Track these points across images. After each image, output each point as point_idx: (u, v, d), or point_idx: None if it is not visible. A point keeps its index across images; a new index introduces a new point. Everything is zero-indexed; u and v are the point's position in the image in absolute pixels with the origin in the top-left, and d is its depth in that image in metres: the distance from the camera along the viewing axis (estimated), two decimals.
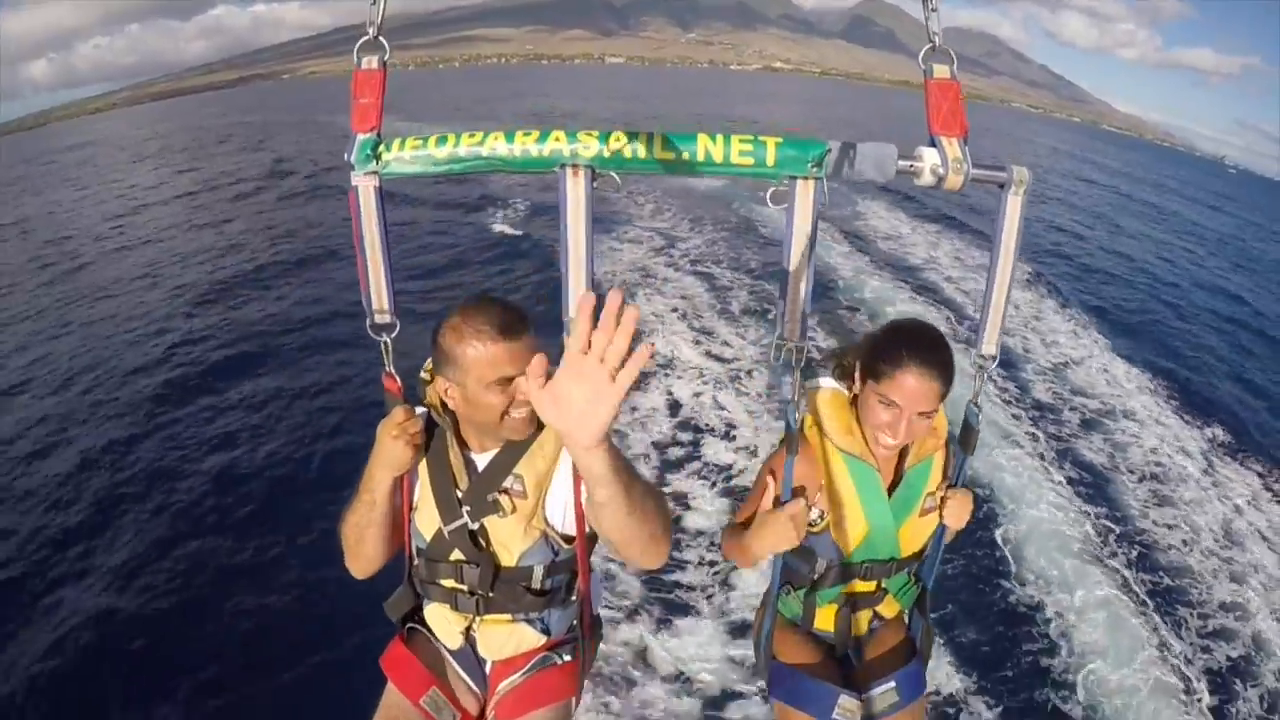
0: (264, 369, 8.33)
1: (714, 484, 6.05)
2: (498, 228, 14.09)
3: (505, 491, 1.65)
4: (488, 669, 1.88)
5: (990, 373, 1.67)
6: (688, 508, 5.61)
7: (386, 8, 1.41)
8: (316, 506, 5.57)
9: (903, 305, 10.63)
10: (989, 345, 1.65)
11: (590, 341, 0.92)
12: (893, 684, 1.87)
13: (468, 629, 1.81)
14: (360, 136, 1.46)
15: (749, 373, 8.18)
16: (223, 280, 11.90)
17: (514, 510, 1.65)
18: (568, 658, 1.86)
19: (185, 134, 42.64)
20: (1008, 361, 9.40)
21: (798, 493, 1.70)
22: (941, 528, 1.84)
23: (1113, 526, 6.19)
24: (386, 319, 1.57)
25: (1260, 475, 7.44)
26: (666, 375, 7.98)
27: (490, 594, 1.73)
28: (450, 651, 1.86)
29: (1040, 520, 6.02)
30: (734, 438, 6.73)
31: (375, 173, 1.48)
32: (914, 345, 1.63)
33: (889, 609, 1.97)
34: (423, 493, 1.70)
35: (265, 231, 14.79)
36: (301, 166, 22.73)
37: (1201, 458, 7.66)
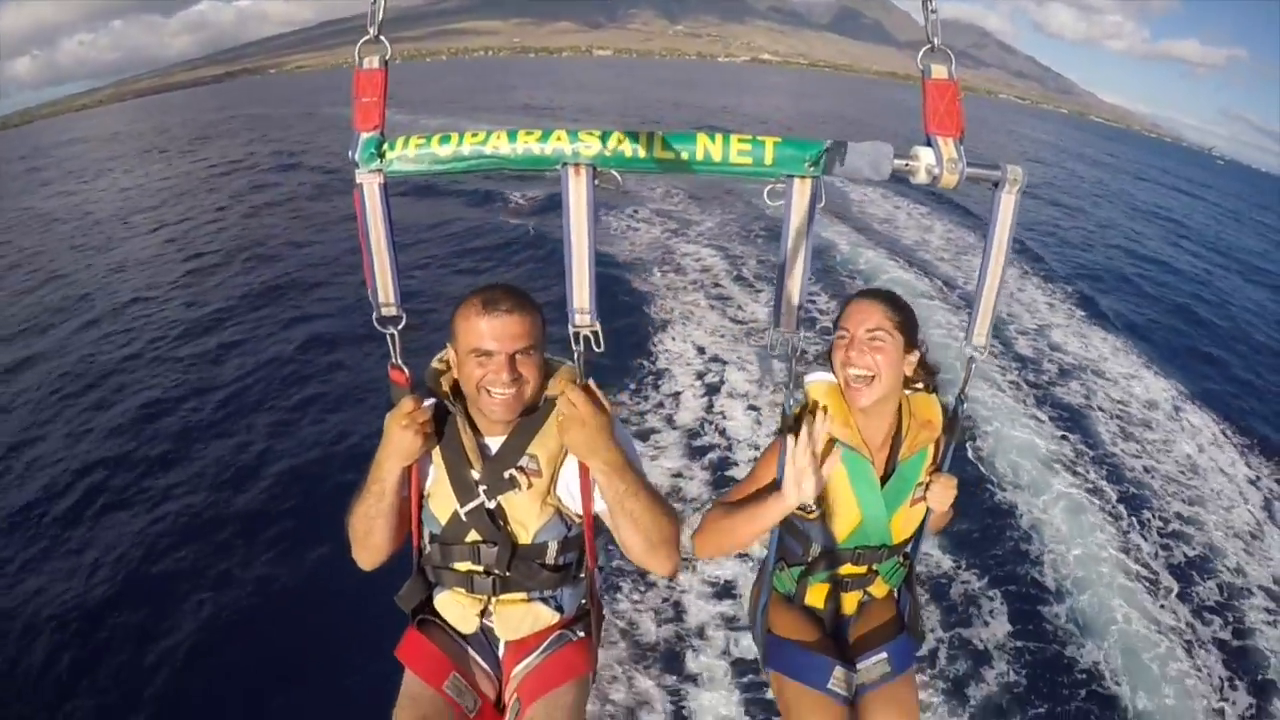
0: (269, 362, 8.40)
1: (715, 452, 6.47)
2: (505, 219, 14.29)
3: (521, 469, 1.69)
4: (500, 652, 1.93)
5: (979, 365, 1.73)
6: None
7: (386, 7, 1.44)
8: (322, 500, 5.64)
9: (896, 273, 11.50)
10: (979, 337, 1.69)
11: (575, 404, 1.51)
12: (884, 655, 1.96)
13: (483, 611, 1.84)
14: (364, 135, 1.49)
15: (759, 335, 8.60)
16: (224, 270, 12.06)
17: (530, 487, 1.70)
18: (581, 634, 1.92)
19: (178, 129, 42.40)
20: (996, 324, 10.44)
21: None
22: (928, 511, 1.91)
23: (1085, 450, 7.08)
24: (393, 312, 1.58)
25: (1217, 422, 8.31)
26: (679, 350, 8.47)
27: (507, 573, 1.76)
28: (464, 637, 1.89)
29: (1017, 439, 6.93)
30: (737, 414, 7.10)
31: (380, 170, 1.50)
32: (860, 290, 1.91)
33: (878, 589, 2.06)
34: (437, 477, 1.74)
35: (268, 227, 14.90)
36: (305, 158, 22.87)
37: (1170, 405, 8.51)
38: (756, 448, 6.39)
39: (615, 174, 1.47)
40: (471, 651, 1.88)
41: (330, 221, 14.69)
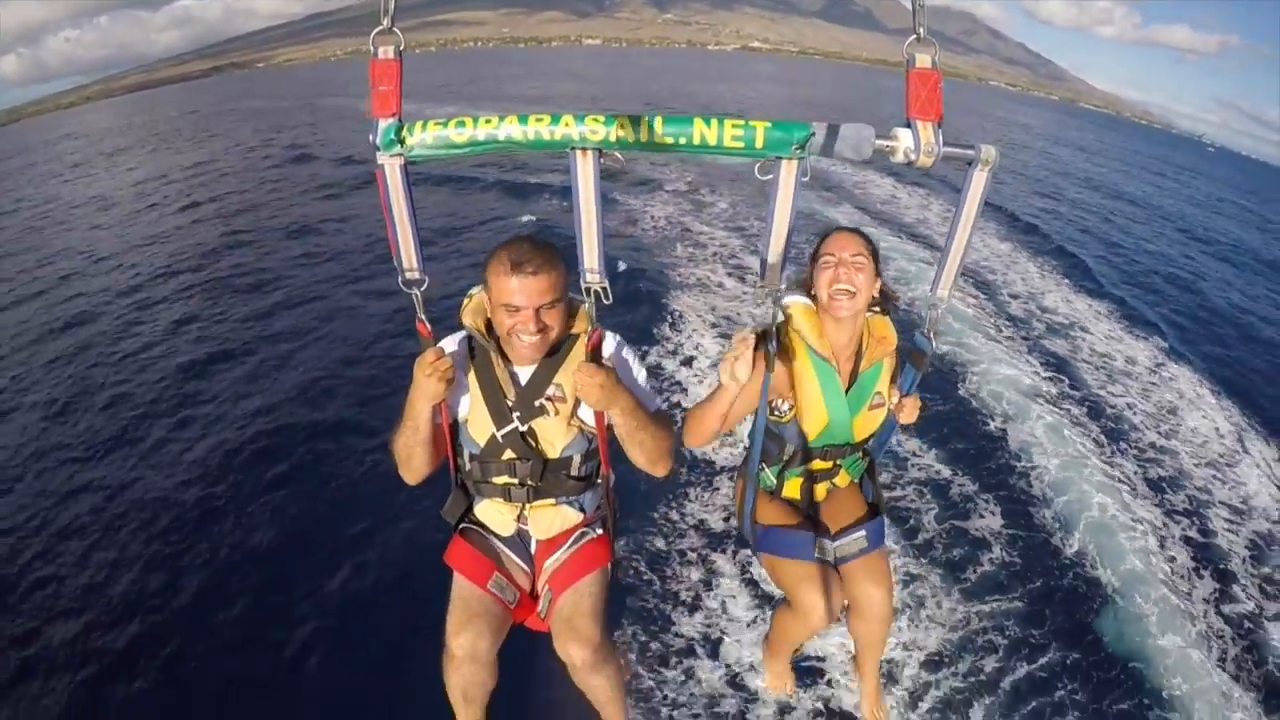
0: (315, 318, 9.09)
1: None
2: (527, 193, 14.99)
3: (550, 398, 1.96)
4: (532, 550, 2.22)
5: (942, 311, 1.96)
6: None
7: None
8: (367, 434, 6.26)
9: (893, 241, 12.28)
10: (943, 290, 1.91)
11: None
12: (863, 532, 2.32)
13: (519, 516, 2.13)
14: (382, 122, 1.62)
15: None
16: (259, 246, 12.58)
17: (557, 413, 1.98)
18: (600, 531, 2.22)
19: (168, 123, 42.29)
20: (983, 284, 11.11)
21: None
22: (891, 418, 2.23)
23: (1071, 392, 7.82)
24: (416, 275, 1.77)
25: (1198, 373, 9.05)
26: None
27: (539, 483, 2.06)
28: (502, 540, 2.19)
29: (1005, 374, 7.72)
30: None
31: (400, 155, 1.64)
32: (837, 228, 2.18)
33: (842, 480, 2.42)
34: (474, 404, 1.99)
35: (290, 209, 15.30)
36: (310, 146, 23.33)
37: (1150, 359, 9.24)
38: None
39: (619, 155, 1.63)
40: (509, 551, 2.17)
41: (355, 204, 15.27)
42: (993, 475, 6.04)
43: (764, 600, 4.62)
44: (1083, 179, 29.55)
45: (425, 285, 1.77)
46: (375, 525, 5.22)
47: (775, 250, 1.73)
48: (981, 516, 5.48)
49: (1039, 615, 4.72)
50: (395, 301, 8.78)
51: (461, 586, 2.06)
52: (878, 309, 2.28)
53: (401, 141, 1.61)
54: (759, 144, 1.58)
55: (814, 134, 1.57)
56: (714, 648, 4.31)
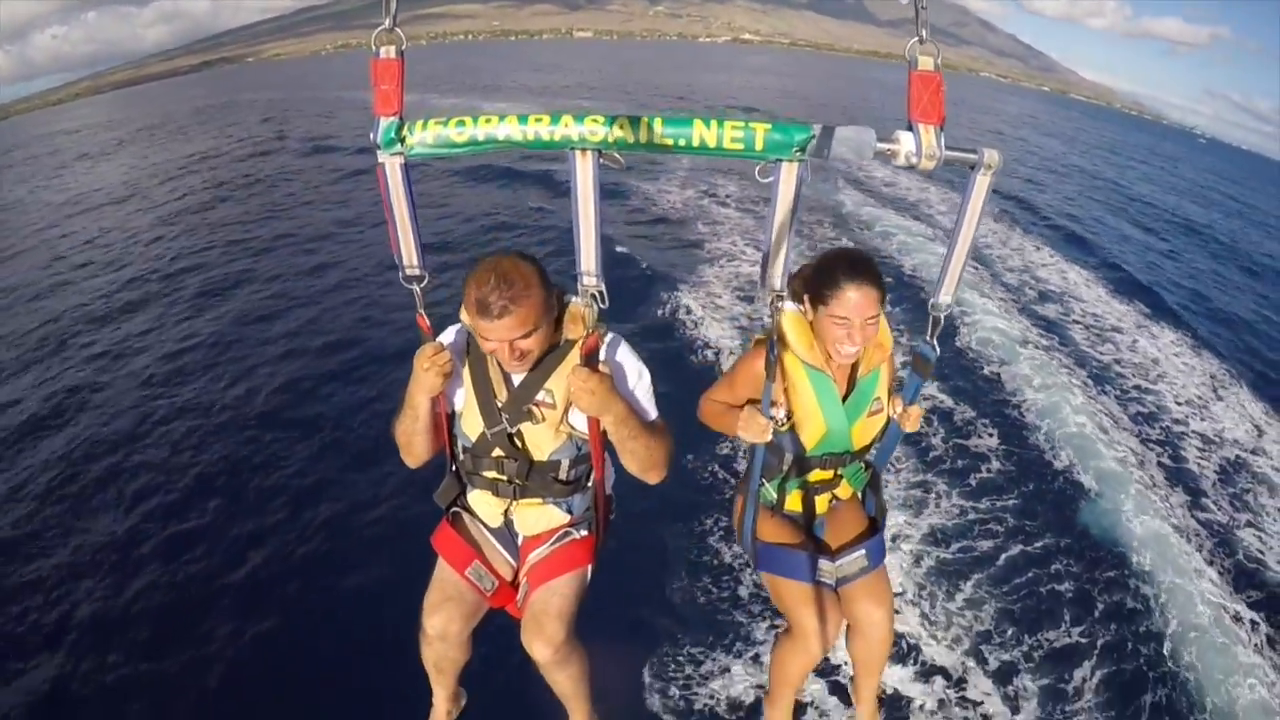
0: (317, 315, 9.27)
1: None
2: (523, 190, 14.72)
3: (538, 404, 1.91)
4: (519, 542, 2.20)
5: (943, 319, 1.87)
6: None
7: None
8: (371, 418, 6.56)
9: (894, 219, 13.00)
10: (945, 296, 1.84)
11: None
12: (863, 551, 2.21)
13: (506, 511, 2.11)
14: (383, 120, 1.60)
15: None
16: (262, 243, 12.62)
17: (544, 420, 1.93)
18: (585, 533, 2.16)
19: (163, 118, 42.34)
20: (984, 259, 11.93)
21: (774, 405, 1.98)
22: (892, 425, 2.12)
23: (1061, 347, 8.68)
24: (416, 271, 1.76)
25: (1178, 332, 9.99)
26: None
27: (526, 482, 2.03)
28: (490, 529, 2.18)
29: (998, 326, 8.61)
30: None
31: (400, 153, 1.62)
32: (847, 268, 1.91)
33: (844, 491, 2.30)
34: (468, 400, 1.97)
35: (299, 205, 15.32)
36: (307, 138, 23.64)
37: (1132, 323, 10.12)
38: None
39: (618, 155, 1.59)
40: (495, 540, 2.18)
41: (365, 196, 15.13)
42: (990, 406, 6.93)
43: (756, 617, 4.70)
44: (1067, 165, 30.77)
45: (425, 281, 1.78)
46: (371, 502, 5.49)
47: (778, 255, 1.70)
48: (980, 437, 6.33)
49: (1031, 510, 5.61)
50: (396, 292, 8.83)
51: (442, 569, 2.10)
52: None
53: (402, 140, 1.60)
54: (758, 146, 1.56)
55: (814, 136, 1.55)
56: (695, 656, 4.39)
